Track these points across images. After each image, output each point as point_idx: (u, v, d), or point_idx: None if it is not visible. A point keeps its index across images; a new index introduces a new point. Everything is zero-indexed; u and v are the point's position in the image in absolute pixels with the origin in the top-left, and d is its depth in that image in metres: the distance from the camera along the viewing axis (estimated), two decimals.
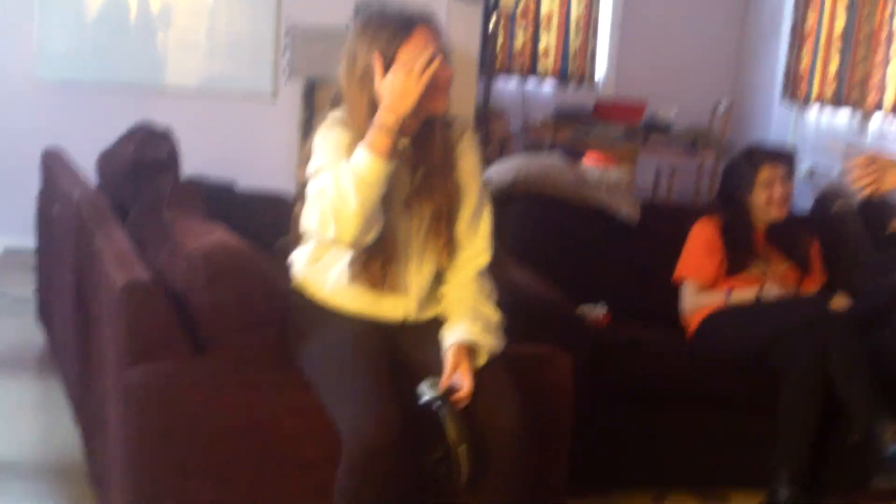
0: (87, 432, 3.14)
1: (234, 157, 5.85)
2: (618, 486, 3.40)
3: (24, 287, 4.96)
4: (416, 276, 2.50)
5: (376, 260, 2.42)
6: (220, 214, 3.13)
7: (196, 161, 4.07)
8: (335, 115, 2.47)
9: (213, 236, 2.61)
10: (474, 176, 2.55)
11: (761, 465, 3.33)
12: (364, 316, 2.49)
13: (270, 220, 4.26)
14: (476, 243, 2.54)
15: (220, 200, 3.73)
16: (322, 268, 2.50)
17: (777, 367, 3.34)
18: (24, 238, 5.55)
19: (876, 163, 2.41)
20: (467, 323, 2.43)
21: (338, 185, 2.29)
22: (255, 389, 2.42)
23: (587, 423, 2.79)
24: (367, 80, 2.37)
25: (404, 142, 2.39)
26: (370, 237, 2.36)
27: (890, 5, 6.53)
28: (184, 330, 2.44)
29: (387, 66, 2.34)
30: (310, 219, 2.36)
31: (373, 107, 2.35)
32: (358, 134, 2.35)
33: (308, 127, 5.22)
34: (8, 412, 3.77)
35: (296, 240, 2.57)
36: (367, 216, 2.30)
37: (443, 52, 2.39)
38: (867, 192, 2.40)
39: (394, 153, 2.30)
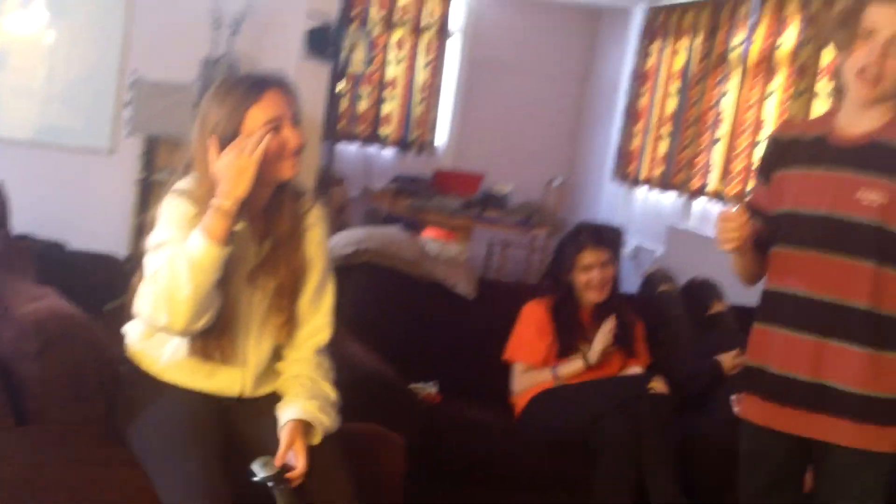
0: None
1: (66, 214, 5.68)
2: None
3: None
4: (255, 350, 2.48)
5: (214, 333, 2.38)
6: (50, 274, 3.05)
7: (27, 216, 3.94)
8: (182, 183, 2.41)
9: (45, 301, 2.54)
10: (321, 250, 2.54)
11: None
12: (199, 391, 2.45)
13: (103, 282, 4.19)
14: (317, 319, 2.54)
15: (51, 259, 3.64)
16: (156, 343, 2.45)
17: (594, 448, 3.44)
18: None
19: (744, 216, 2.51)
20: (303, 400, 2.42)
21: (171, 269, 2.23)
22: (80, 464, 2.36)
23: (413, 499, 2.80)
24: (221, 140, 2.32)
25: (242, 224, 2.34)
26: (203, 323, 2.31)
27: (719, 89, 6.88)
28: (8, 399, 2.36)
29: (234, 134, 2.32)
30: (142, 302, 2.30)
31: None
32: (204, 205, 2.30)
33: (146, 186, 5.15)
34: None
35: (129, 305, 2.50)
36: (200, 302, 2.25)
37: (295, 116, 2.39)
38: (732, 245, 2.49)
39: (231, 238, 2.27)
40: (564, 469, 3.53)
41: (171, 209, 2.36)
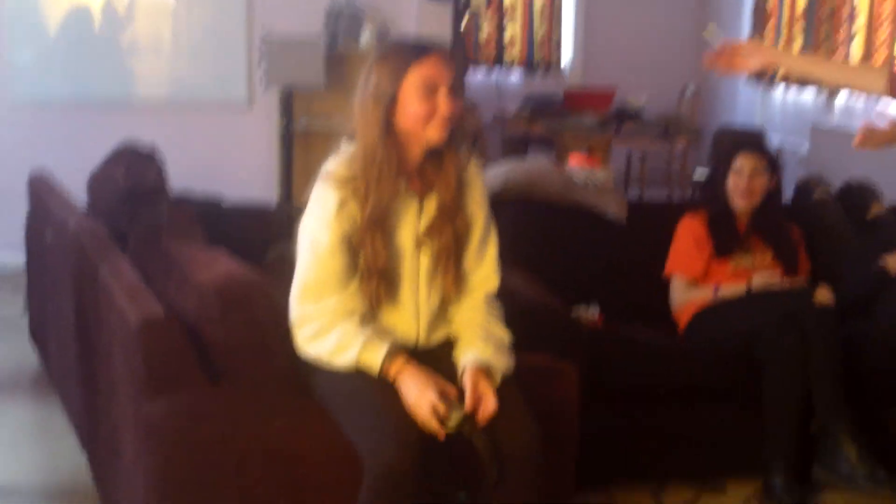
0: (96, 459, 3.16)
1: (215, 168, 5.85)
2: (617, 480, 3.46)
3: (11, 306, 4.96)
4: (425, 304, 2.55)
5: (384, 290, 2.48)
6: (211, 230, 3.17)
7: (176, 172, 4.06)
8: (333, 163, 2.48)
9: (220, 267, 2.63)
10: (481, 205, 2.60)
11: (755, 454, 3.41)
12: None
13: (259, 234, 4.31)
14: (483, 269, 2.61)
15: (209, 216, 3.76)
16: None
17: (761, 360, 3.42)
18: (3, 256, 5.57)
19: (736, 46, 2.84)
20: (479, 344, 2.48)
21: (338, 349, 2.42)
22: (274, 416, 2.47)
23: (585, 422, 2.83)
24: (380, 97, 2.41)
25: (403, 185, 2.46)
26: None
27: None
28: (199, 362, 2.47)
29: (393, 96, 2.40)
30: (298, 324, 2.48)
31: (386, 123, 2.41)
32: (355, 187, 2.40)
33: (287, 135, 5.26)
34: (8, 435, 3.80)
35: (288, 254, 2.59)
36: None
37: (453, 86, 2.44)
38: (722, 73, 2.80)
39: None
40: (731, 382, 3.53)
41: (319, 203, 2.45)
